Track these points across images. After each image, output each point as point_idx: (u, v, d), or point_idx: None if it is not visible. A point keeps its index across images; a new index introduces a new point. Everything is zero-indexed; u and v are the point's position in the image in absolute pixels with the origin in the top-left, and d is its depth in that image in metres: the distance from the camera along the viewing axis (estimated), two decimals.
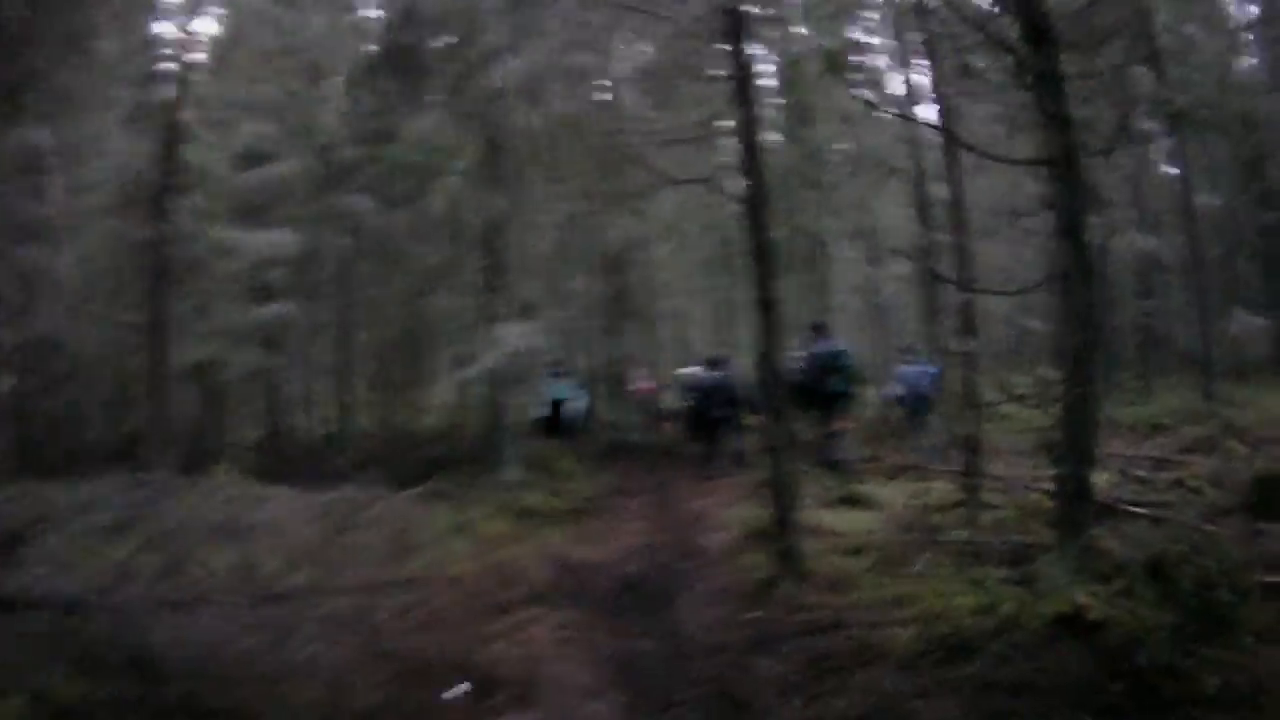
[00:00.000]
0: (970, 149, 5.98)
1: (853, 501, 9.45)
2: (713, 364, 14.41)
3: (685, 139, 8.45)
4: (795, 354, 11.93)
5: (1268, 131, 16.17)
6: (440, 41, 12.62)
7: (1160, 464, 9.98)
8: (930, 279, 6.18)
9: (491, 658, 5.47)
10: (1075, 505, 5.38)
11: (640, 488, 13.07)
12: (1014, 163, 6.19)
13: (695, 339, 28.28)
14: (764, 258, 6.50)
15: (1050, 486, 7.08)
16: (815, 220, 15.41)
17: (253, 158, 14.23)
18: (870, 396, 15.64)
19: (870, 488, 10.12)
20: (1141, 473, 9.23)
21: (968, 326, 8.15)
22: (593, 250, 17.47)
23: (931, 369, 13.14)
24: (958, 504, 8.28)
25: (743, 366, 14.86)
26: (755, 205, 6.51)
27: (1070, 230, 5.39)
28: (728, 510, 9.96)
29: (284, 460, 14.10)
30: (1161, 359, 17.04)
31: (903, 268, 16.99)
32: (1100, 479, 8.72)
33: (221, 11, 14.88)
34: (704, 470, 13.30)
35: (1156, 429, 13.23)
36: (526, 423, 14.59)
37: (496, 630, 6.12)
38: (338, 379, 15.93)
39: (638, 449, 16.67)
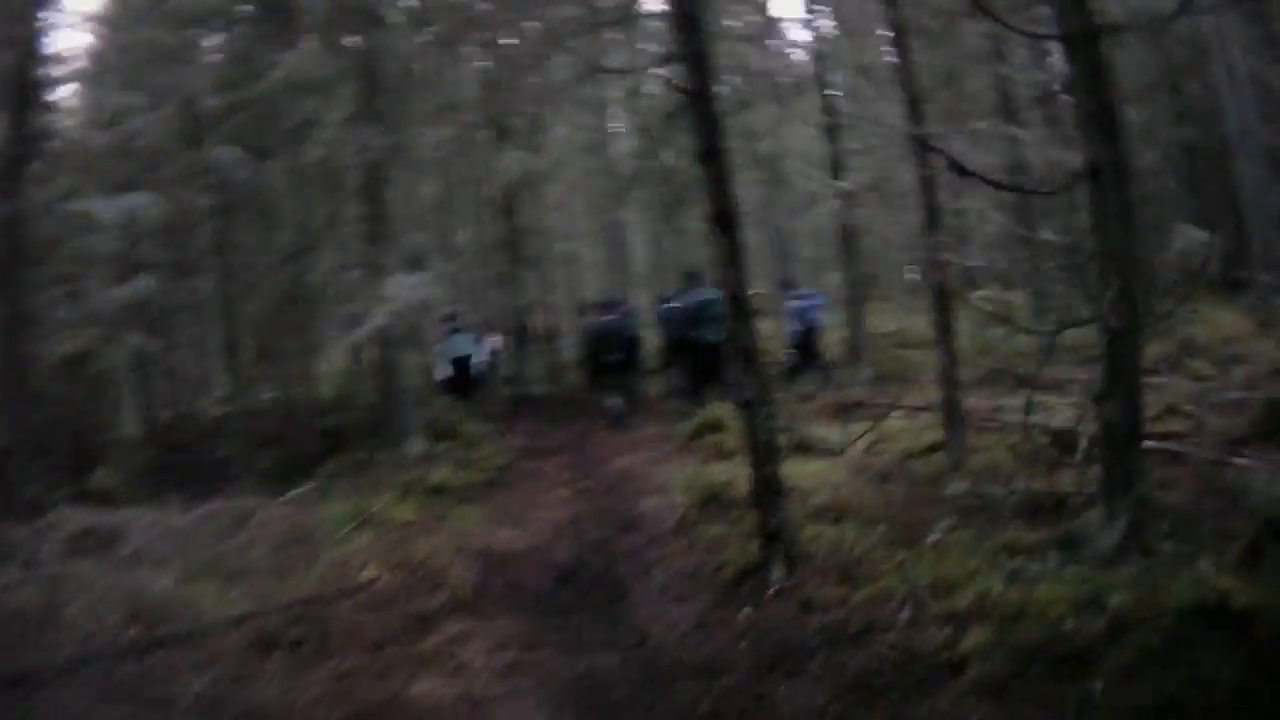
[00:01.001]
0: (987, 14, 4.75)
1: (804, 448, 8.34)
2: (606, 307, 13.80)
3: (607, 22, 6.95)
4: (667, 305, 11.81)
5: (1187, 48, 15.51)
6: None
7: None
8: (952, 170, 4.92)
9: (420, 704, 4.20)
10: (1125, 451, 4.34)
11: (554, 446, 11.85)
12: (1033, 36, 5.05)
13: (589, 282, 27.33)
14: (715, 160, 5.24)
15: (1030, 421, 6.33)
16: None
17: (116, 121, 12.54)
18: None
19: (818, 430, 9.04)
20: None
21: (938, 248, 6.97)
22: (480, 194, 16.18)
23: (817, 298, 13.37)
24: (933, 447, 7.30)
25: (632, 309, 14.85)
26: (700, 97, 5.22)
27: (1100, 116, 4.31)
28: (658, 468, 8.86)
29: (173, 453, 12.87)
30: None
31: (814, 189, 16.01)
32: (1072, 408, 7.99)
33: None
34: (616, 421, 12.34)
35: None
36: (429, 385, 13.75)
37: (420, 655, 4.84)
38: (227, 355, 14.30)
39: (544, 402, 15.65)
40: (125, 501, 9.73)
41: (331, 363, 17.23)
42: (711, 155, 5.22)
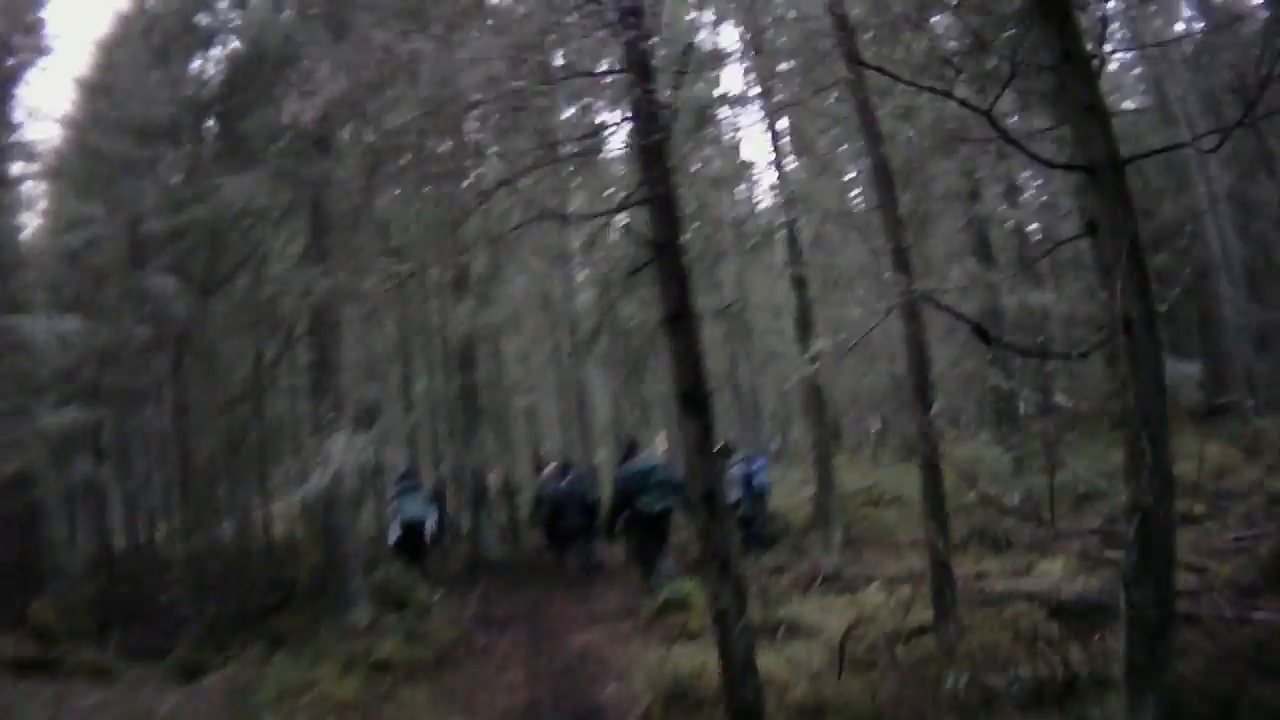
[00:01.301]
0: (1010, 141, 4.32)
1: (778, 630, 7.66)
2: (563, 470, 13.89)
3: (566, 158, 6.44)
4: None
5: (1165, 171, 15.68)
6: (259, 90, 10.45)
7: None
8: (976, 335, 4.41)
9: None
10: (1156, 639, 3.75)
11: (511, 616, 11.00)
12: (1053, 166, 4.62)
13: (548, 436, 26.75)
14: (683, 325, 4.73)
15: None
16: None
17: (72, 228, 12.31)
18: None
19: (791, 608, 8.34)
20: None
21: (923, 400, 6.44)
22: (435, 343, 15.65)
23: (762, 460, 13.18)
24: (921, 628, 6.62)
25: (591, 470, 15.14)
26: (667, 249, 4.73)
27: (1130, 260, 3.83)
28: (619, 649, 8.19)
29: (119, 590, 12.44)
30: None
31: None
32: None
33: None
34: (575, 582, 12.23)
35: (1085, 498, 11.80)
36: (380, 547, 13.00)
37: None
38: (180, 490, 13.49)
39: (501, 565, 14.83)
40: (61, 639, 9.35)
41: (289, 504, 16.18)
42: (679, 320, 4.72)
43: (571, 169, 9.08)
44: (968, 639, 6.00)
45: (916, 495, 13.97)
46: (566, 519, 12.74)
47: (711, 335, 15.15)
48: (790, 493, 15.76)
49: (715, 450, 13.38)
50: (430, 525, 13.01)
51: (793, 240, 13.48)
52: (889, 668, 6.01)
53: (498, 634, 9.95)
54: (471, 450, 14.97)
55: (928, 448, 6.57)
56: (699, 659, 6.27)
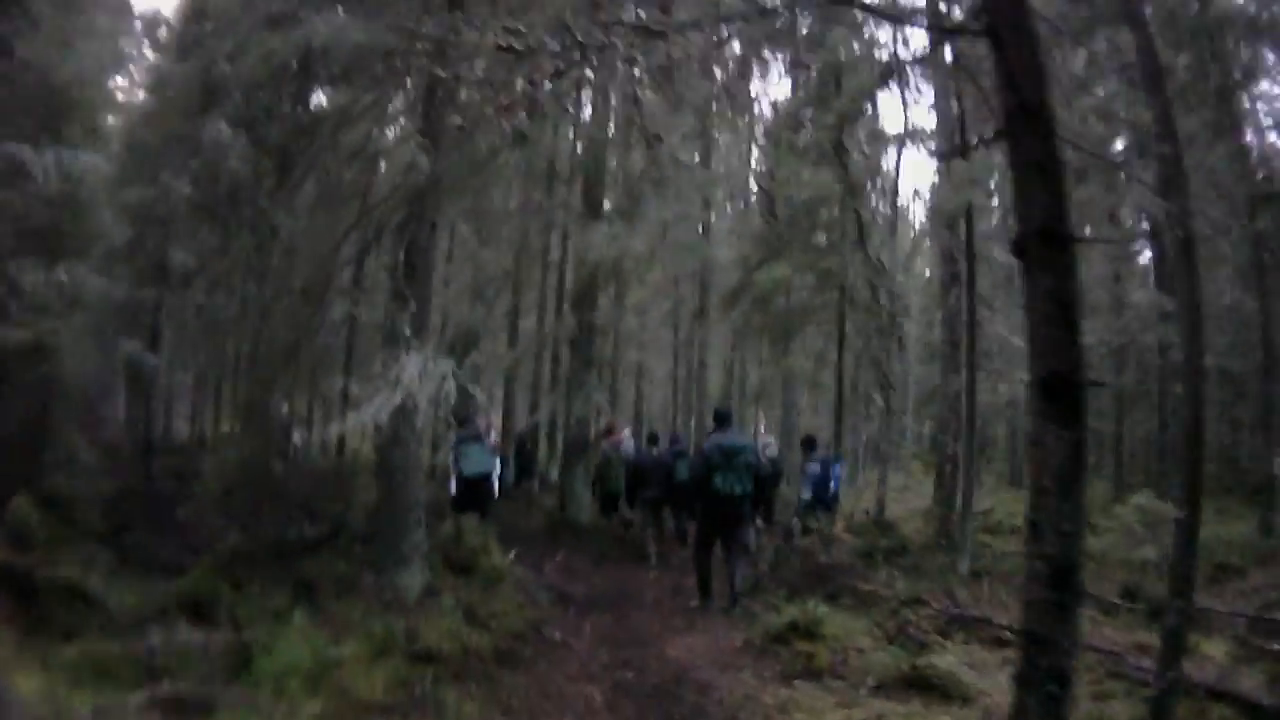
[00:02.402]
0: None
1: (922, 684, 6.02)
2: (653, 439, 13.59)
3: None
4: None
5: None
6: None
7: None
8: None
9: None
10: None
11: (591, 599, 9.43)
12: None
13: (655, 399, 25.46)
14: (1058, 247, 3.04)
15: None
16: None
17: None
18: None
19: (933, 656, 6.59)
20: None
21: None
22: (550, 278, 14.11)
23: (835, 463, 11.85)
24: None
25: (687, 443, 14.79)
26: (1028, 109, 3.01)
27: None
28: (726, 675, 6.55)
29: (132, 495, 10.89)
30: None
31: None
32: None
33: None
34: (663, 570, 11.22)
35: (1221, 569, 10.88)
36: (444, 496, 11.43)
37: None
38: (210, 387, 12.30)
39: (585, 532, 13.37)
40: (38, 544, 8.13)
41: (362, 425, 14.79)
42: (1052, 241, 3.00)
43: None
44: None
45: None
46: (649, 489, 12.12)
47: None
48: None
49: (802, 442, 12.08)
50: (494, 478, 11.69)
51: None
52: None
53: (575, 623, 8.21)
54: (579, 399, 13.43)
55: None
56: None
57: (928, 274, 30.64)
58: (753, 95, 13.31)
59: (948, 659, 6.53)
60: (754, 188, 18.92)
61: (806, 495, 11.42)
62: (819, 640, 6.85)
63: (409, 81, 8.11)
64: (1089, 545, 11.95)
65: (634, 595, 9.69)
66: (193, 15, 11.17)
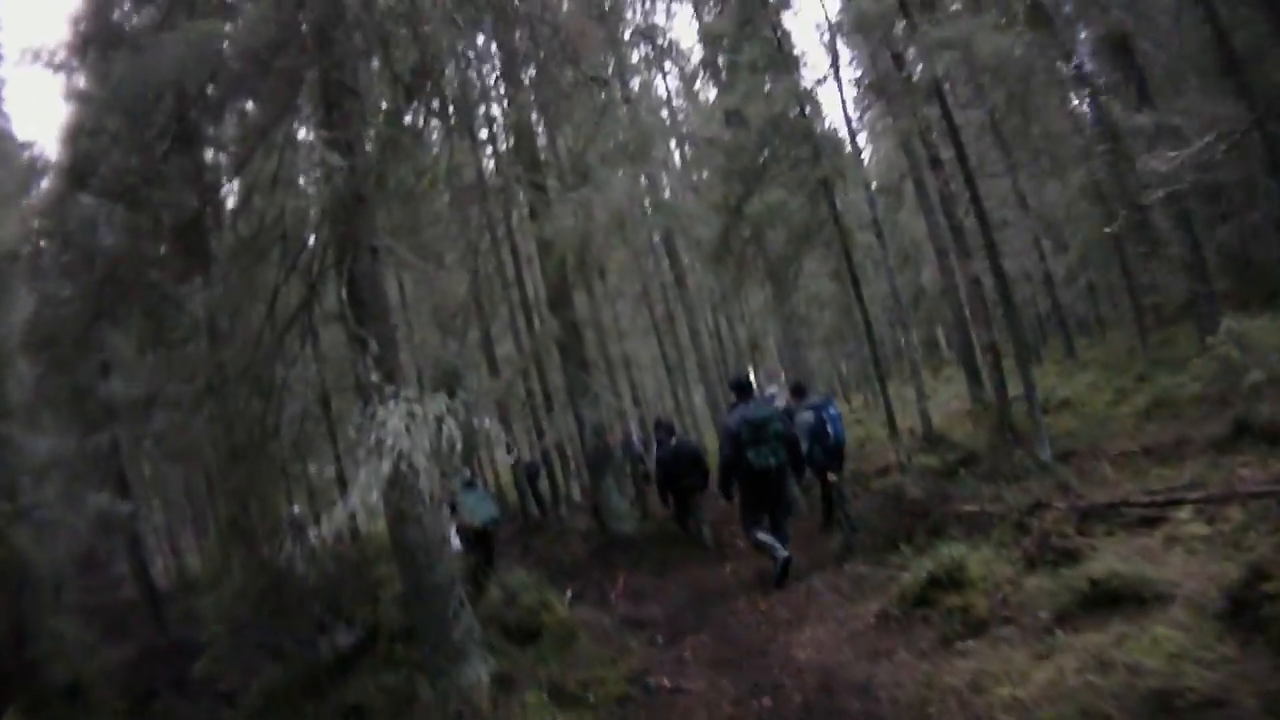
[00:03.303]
0: None
1: (1109, 599, 4.92)
2: (666, 430, 12.97)
3: None
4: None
5: None
6: None
7: None
8: None
9: None
10: None
11: (674, 618, 8.23)
12: None
13: (646, 385, 24.66)
14: None
15: None
16: None
17: None
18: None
19: (1097, 564, 5.44)
20: None
21: None
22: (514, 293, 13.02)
23: (830, 405, 10.77)
24: None
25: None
26: None
27: None
28: (874, 662, 5.45)
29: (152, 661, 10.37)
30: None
31: None
32: None
33: None
34: (724, 561, 10.19)
35: None
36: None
37: None
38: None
39: (631, 543, 12.18)
40: None
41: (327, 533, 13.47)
42: None
43: None
44: None
45: (1084, 397, 11.36)
46: (687, 478, 11.57)
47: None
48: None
49: (792, 390, 11.10)
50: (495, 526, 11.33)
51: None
52: None
53: (673, 656, 6.92)
54: (587, 405, 12.29)
55: None
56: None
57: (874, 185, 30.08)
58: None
59: (1112, 561, 5.42)
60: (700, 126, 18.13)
61: (806, 448, 10.01)
62: (968, 588, 5.71)
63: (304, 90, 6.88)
64: (1188, 390, 11.07)
65: (718, 598, 8.46)
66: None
